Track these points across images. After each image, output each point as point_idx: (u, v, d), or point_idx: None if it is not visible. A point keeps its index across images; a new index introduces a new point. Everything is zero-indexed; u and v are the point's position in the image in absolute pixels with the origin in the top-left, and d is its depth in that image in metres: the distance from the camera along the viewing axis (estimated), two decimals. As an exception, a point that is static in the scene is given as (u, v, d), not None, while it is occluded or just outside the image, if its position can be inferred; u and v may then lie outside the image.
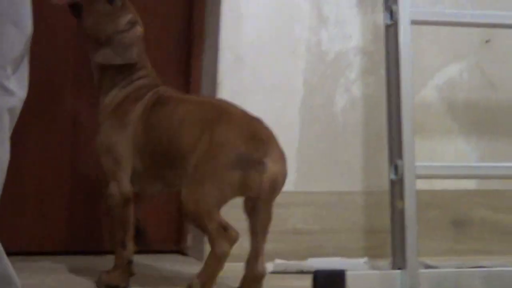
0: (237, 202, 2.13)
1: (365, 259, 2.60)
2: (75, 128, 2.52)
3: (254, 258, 2.12)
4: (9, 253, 2.41)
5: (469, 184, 2.75)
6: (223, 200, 2.08)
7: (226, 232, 2.06)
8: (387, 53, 2.27)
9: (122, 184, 2.16)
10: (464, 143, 2.75)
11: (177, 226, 2.61)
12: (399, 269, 2.21)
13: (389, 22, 2.28)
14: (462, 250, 2.73)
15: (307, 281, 2.15)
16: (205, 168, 2.06)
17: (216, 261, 2.07)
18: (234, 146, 2.05)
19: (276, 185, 2.08)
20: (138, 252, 2.30)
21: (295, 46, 2.58)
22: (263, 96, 2.53)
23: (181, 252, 2.62)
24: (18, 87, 1.69)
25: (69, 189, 2.53)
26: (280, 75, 2.56)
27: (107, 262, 2.29)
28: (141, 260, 2.36)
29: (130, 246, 2.21)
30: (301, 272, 2.46)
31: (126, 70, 2.20)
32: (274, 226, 2.40)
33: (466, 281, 2.24)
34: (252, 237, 2.13)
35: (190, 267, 2.41)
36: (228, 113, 2.13)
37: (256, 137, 2.08)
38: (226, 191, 2.06)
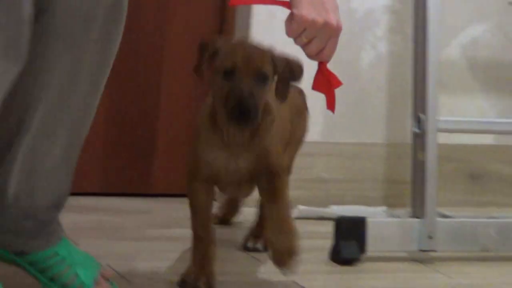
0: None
1: (384, 208, 2.68)
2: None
3: None
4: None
5: (487, 139, 2.82)
6: None
7: None
8: (416, 11, 2.28)
9: None
10: (484, 100, 2.81)
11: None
12: (417, 218, 2.24)
13: (417, -19, 2.29)
14: (478, 202, 2.80)
15: (329, 226, 2.18)
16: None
17: None
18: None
19: None
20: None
21: (325, 2, 2.64)
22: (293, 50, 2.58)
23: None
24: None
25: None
26: (309, 30, 2.61)
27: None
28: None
29: None
30: (323, 218, 2.52)
31: None
32: (299, 174, 2.49)
33: (481, 230, 2.26)
34: None
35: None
36: None
37: None
38: None
